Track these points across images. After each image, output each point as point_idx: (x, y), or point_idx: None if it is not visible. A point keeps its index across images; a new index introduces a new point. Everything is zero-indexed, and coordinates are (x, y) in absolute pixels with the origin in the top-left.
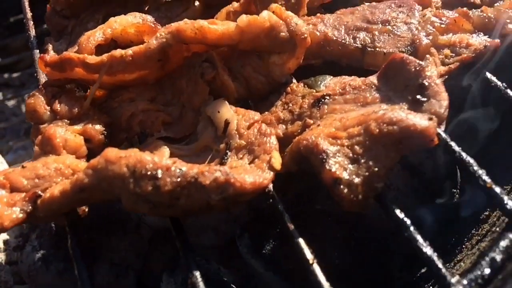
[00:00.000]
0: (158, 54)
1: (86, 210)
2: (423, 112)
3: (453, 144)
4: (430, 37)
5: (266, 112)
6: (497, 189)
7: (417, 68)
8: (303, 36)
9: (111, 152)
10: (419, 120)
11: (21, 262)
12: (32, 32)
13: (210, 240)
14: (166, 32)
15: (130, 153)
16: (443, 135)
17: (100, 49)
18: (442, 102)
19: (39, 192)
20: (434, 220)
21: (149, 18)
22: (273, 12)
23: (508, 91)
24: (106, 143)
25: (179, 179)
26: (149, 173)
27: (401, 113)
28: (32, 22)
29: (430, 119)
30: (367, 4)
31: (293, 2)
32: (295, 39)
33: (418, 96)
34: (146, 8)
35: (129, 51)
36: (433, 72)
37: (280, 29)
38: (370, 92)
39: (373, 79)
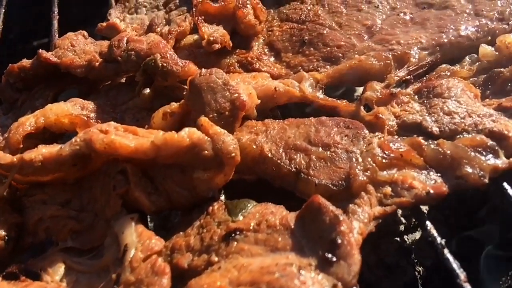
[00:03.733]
0: (71, 160)
1: None
2: (330, 274)
3: None
4: (368, 173)
5: (181, 233)
6: None
7: (332, 221)
8: (229, 156)
9: None
10: None
11: None
12: None
13: None
14: (81, 139)
15: None
16: None
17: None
18: (352, 267)
19: None
20: None
21: (91, 106)
22: (201, 125)
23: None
24: (5, 248)
25: None
26: None
27: (297, 282)
28: None
29: (334, 286)
30: (316, 119)
31: (227, 114)
32: (222, 158)
33: (329, 255)
34: (101, 86)
35: (40, 155)
36: (351, 226)
37: (203, 147)
38: (283, 235)
39: (291, 219)
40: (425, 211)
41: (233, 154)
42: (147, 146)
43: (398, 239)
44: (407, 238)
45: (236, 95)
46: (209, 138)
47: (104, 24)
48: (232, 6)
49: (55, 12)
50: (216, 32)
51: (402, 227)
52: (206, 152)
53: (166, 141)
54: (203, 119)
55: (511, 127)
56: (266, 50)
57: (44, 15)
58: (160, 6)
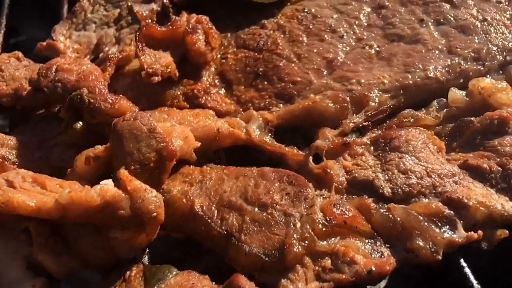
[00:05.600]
0: None
1: None
2: None
3: None
4: (306, 243)
5: None
6: None
7: None
8: (150, 216)
9: None
10: None
11: None
12: None
13: None
14: None
15: None
16: None
17: None
18: None
19: None
20: None
21: (12, 142)
22: (119, 178)
23: None
24: None
25: None
26: None
27: None
28: None
29: None
30: (258, 170)
31: (152, 166)
32: (141, 218)
33: None
34: (33, 116)
35: None
36: None
37: (119, 206)
38: None
39: None
40: None
41: (154, 214)
42: (50, 205)
43: None
44: None
45: (163, 144)
46: (127, 195)
47: (44, 43)
48: (182, 31)
49: (2, 25)
50: (158, 62)
51: None
52: (122, 211)
53: (73, 201)
54: (122, 172)
55: (473, 193)
56: (217, 80)
57: None
58: (111, 23)
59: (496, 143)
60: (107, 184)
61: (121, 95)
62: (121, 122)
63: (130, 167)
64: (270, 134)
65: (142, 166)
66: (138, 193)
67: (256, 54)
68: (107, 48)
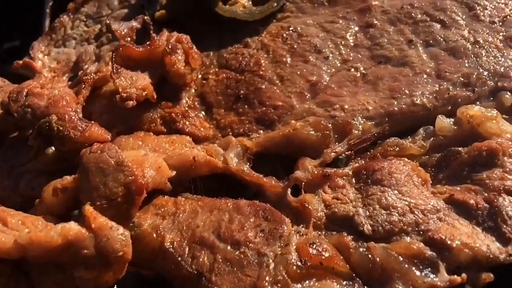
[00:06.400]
0: None
1: None
2: None
3: None
4: (278, 286)
5: None
6: None
7: None
8: (115, 255)
9: None
10: None
11: None
12: None
13: None
14: None
15: None
16: None
17: None
18: None
19: None
20: None
21: None
22: (84, 215)
23: None
24: None
25: None
26: None
27: None
28: None
29: None
30: (233, 203)
31: (120, 201)
32: (107, 257)
33: None
34: (6, 140)
35: None
36: None
37: (82, 245)
38: None
39: None
40: None
41: (120, 253)
42: (9, 246)
43: None
44: None
45: (131, 178)
46: (91, 234)
47: (21, 62)
48: (160, 51)
49: None
50: (133, 85)
51: None
52: (86, 251)
53: (32, 241)
54: (87, 209)
55: (457, 233)
56: (196, 102)
57: None
58: (91, 39)
59: (484, 176)
60: (70, 223)
61: (92, 122)
62: (87, 154)
63: (96, 202)
64: (248, 163)
65: (108, 201)
66: (103, 231)
67: (238, 75)
68: (86, 66)
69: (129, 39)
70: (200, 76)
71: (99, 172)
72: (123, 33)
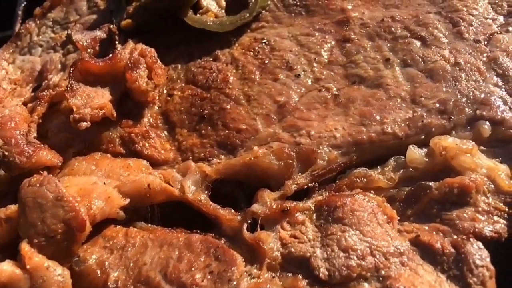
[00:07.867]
0: None
1: None
2: None
3: None
4: None
5: None
6: None
7: None
8: None
9: None
10: None
11: None
12: None
13: None
14: None
15: None
16: None
17: None
18: None
19: None
20: None
21: None
22: (20, 254)
23: None
24: None
25: None
26: None
27: None
28: None
29: None
30: (186, 237)
31: (59, 238)
32: None
33: None
34: None
35: None
36: None
37: (18, 285)
38: None
39: None
40: None
41: None
42: None
43: None
44: None
45: (71, 214)
46: (26, 275)
47: None
48: (122, 65)
49: None
50: (89, 104)
51: None
52: None
53: None
54: (23, 247)
55: (418, 282)
56: (159, 121)
57: None
58: (58, 47)
59: (454, 215)
60: (2, 263)
61: (41, 146)
62: (25, 187)
63: (33, 240)
64: (207, 191)
65: (47, 238)
66: (38, 272)
67: (204, 92)
68: (51, 76)
69: (91, 50)
70: (165, 91)
71: (36, 208)
72: (85, 44)
